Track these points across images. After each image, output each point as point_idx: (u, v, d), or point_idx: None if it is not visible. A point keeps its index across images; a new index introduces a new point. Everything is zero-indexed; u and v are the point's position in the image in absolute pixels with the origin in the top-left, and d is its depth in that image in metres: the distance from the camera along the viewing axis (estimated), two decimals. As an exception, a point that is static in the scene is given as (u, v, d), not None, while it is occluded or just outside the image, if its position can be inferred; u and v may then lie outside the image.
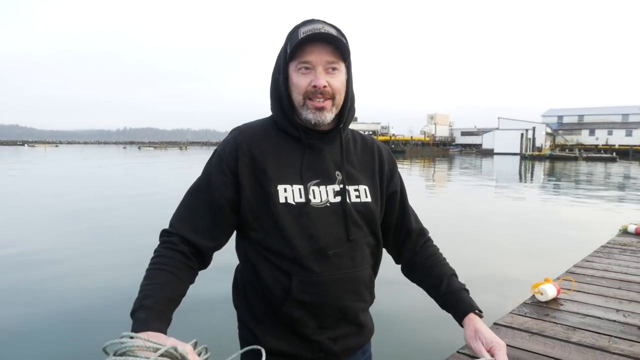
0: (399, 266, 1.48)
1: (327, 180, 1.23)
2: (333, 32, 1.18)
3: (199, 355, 1.00)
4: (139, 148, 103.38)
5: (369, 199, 1.28)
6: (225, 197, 1.18)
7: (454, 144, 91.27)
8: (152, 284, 1.08)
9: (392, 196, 1.37)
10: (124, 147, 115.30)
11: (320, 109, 1.19)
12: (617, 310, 3.29)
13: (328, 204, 1.21)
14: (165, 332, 0.99)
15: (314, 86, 1.17)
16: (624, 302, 3.47)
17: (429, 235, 1.44)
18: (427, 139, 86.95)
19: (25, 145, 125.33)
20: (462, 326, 1.31)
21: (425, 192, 18.55)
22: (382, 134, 79.78)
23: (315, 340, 1.21)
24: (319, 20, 1.20)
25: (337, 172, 1.25)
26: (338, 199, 1.22)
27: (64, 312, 4.88)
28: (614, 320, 3.10)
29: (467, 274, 6.84)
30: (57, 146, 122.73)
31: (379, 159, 1.35)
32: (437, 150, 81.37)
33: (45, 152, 71.06)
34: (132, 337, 0.89)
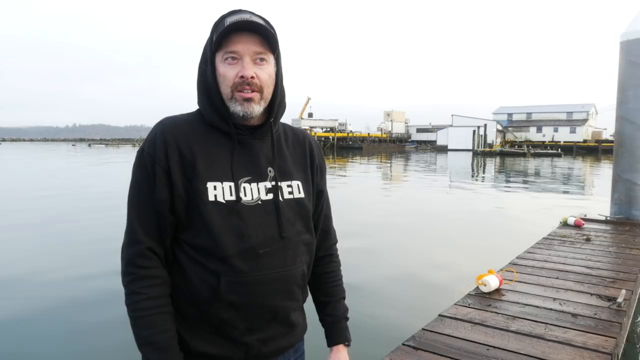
0: None
1: (259, 177, 1.20)
2: (260, 22, 1.15)
3: None
4: (89, 145, 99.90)
5: (302, 195, 1.26)
6: (165, 200, 1.15)
7: (409, 140, 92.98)
8: (161, 332, 1.13)
9: (318, 195, 1.36)
10: (73, 145, 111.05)
11: (248, 100, 1.15)
12: (554, 299, 3.46)
13: (259, 202, 1.18)
14: None
15: (242, 77, 1.13)
16: (561, 291, 3.66)
17: (336, 246, 1.46)
18: (384, 135, 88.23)
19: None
20: (329, 347, 1.40)
21: (379, 187, 18.83)
22: (340, 131, 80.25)
23: (243, 342, 1.19)
24: (246, 11, 1.17)
25: (269, 169, 1.22)
26: (270, 196, 1.20)
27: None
28: (551, 309, 3.26)
29: (415, 266, 6.99)
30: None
31: (310, 154, 1.34)
32: (394, 146, 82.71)
33: (-14, 149, 67.21)
34: None
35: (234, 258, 1.14)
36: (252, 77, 1.14)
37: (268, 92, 1.19)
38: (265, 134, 1.24)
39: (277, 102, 1.23)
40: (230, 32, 1.13)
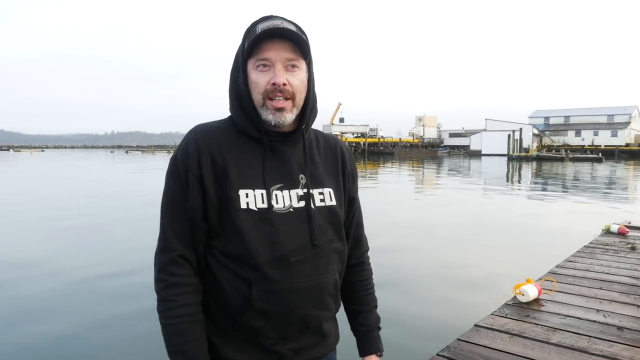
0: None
1: (291, 184, 1.18)
2: (292, 28, 1.13)
3: None
4: (127, 152, 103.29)
5: (333, 202, 1.24)
6: (198, 208, 1.14)
7: (442, 145, 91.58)
8: (191, 340, 1.12)
9: (350, 202, 1.33)
10: (111, 151, 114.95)
11: (280, 110, 1.14)
12: (598, 311, 3.30)
13: (291, 209, 1.16)
14: None
15: (273, 84, 1.12)
16: (605, 302, 3.48)
17: (368, 254, 1.43)
18: (416, 140, 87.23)
19: (11, 150, 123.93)
20: (361, 358, 1.39)
21: (414, 192, 18.60)
22: (371, 136, 79.93)
23: (276, 351, 1.17)
24: (278, 17, 1.16)
25: (301, 176, 1.20)
26: (302, 203, 1.18)
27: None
28: (594, 321, 3.11)
29: (449, 273, 6.85)
30: (42, 151, 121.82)
31: (341, 160, 1.31)
32: (426, 152, 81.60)
33: (31, 156, 70.31)
34: None
35: (265, 266, 1.12)
36: (284, 84, 1.13)
37: (300, 98, 1.17)
38: (297, 140, 1.22)
39: (309, 109, 1.21)
40: (261, 39, 1.12)
